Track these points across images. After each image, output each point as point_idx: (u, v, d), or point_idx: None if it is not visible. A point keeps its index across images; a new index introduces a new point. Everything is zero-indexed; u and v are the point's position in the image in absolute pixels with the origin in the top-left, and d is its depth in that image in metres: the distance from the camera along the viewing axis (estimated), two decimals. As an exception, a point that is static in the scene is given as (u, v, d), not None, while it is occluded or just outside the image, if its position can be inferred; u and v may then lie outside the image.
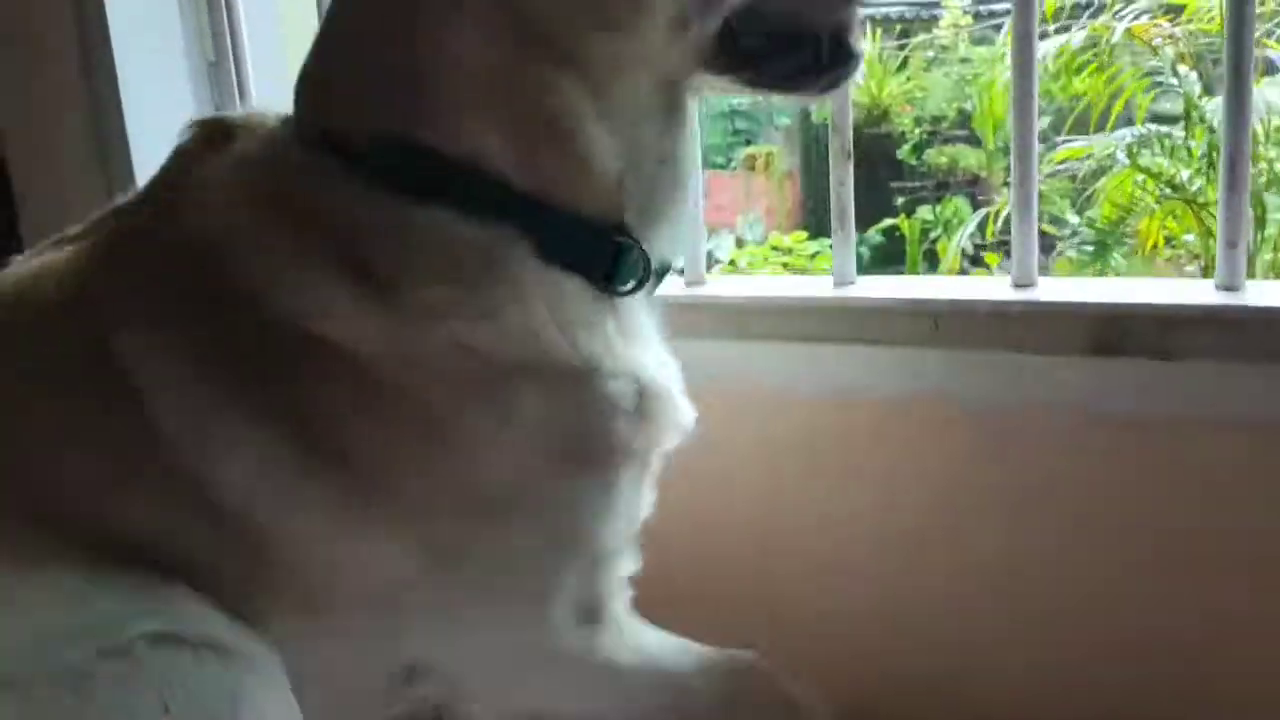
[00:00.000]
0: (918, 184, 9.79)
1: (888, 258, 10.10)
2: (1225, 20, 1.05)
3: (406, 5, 0.73)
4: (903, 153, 9.69)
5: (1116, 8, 4.33)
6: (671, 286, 1.35)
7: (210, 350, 0.73)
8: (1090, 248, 4.15)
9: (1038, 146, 1.19)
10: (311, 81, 0.78)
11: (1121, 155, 4.05)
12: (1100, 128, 4.36)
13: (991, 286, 1.21)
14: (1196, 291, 1.09)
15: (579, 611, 0.82)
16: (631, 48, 0.75)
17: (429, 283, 0.72)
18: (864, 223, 10.18)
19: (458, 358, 0.72)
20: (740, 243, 10.13)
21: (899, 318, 1.21)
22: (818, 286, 1.27)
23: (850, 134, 1.24)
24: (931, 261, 9.41)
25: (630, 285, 0.79)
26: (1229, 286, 1.09)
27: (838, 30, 0.87)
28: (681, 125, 0.84)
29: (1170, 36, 4.01)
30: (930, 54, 10.02)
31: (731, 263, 4.18)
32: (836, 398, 1.24)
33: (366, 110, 0.72)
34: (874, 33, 10.06)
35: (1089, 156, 4.34)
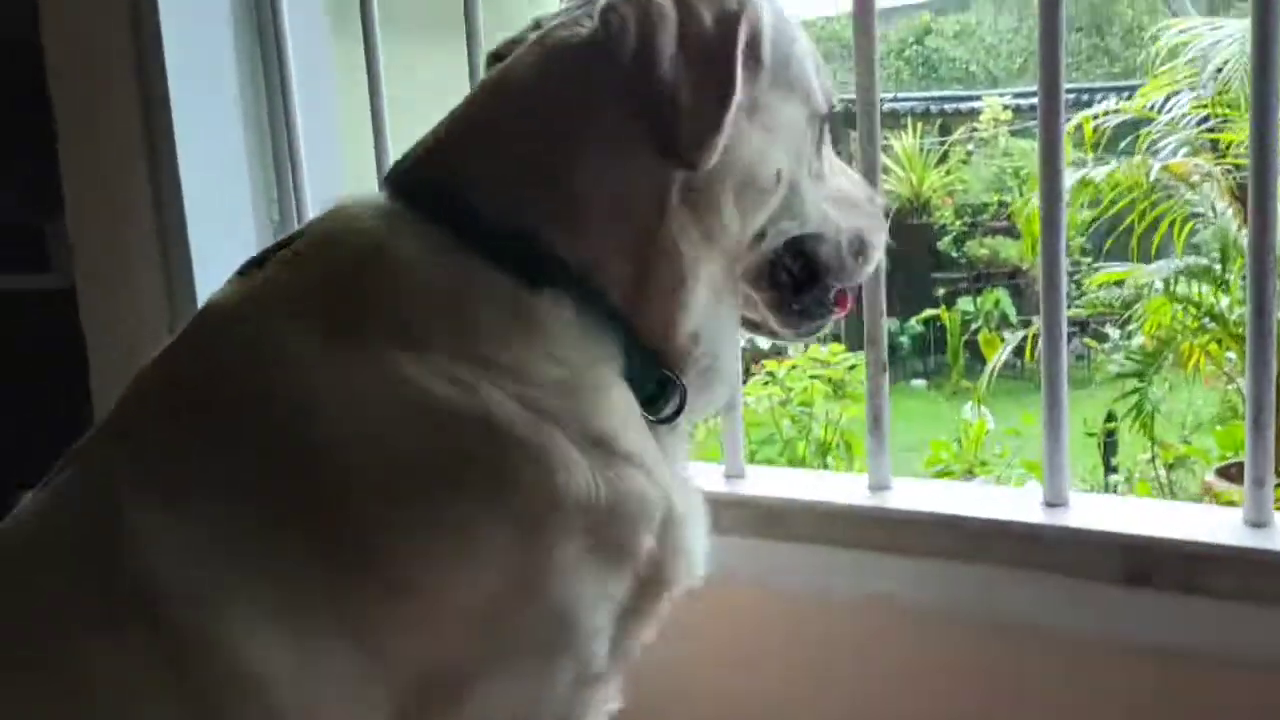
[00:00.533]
0: (958, 275, 9.83)
1: (928, 347, 10.11)
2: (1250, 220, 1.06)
3: (578, 138, 0.82)
4: (943, 244, 9.75)
5: (1153, 138, 4.39)
6: (711, 480, 1.39)
7: None
8: (1132, 366, 4.17)
9: (1066, 370, 1.22)
10: (451, 168, 0.82)
11: (1160, 284, 4.08)
12: (1141, 251, 4.39)
13: (1025, 504, 1.24)
14: (1227, 528, 1.11)
15: None
16: (739, 241, 0.88)
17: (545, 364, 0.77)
18: (904, 312, 10.20)
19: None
20: (780, 333, 10.16)
21: (932, 529, 1.24)
22: (853, 491, 1.30)
23: (885, 348, 1.29)
24: (973, 352, 9.40)
25: (668, 413, 0.85)
26: (1257, 523, 1.11)
27: (843, 285, 1.00)
28: (735, 311, 0.92)
29: (1209, 175, 4.06)
30: (970, 147, 10.10)
31: (770, 374, 4.21)
32: (868, 603, 1.26)
33: (511, 206, 0.79)
34: (914, 126, 10.20)
35: (1127, 283, 4.37)
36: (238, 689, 0.68)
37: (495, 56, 0.92)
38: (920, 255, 9.95)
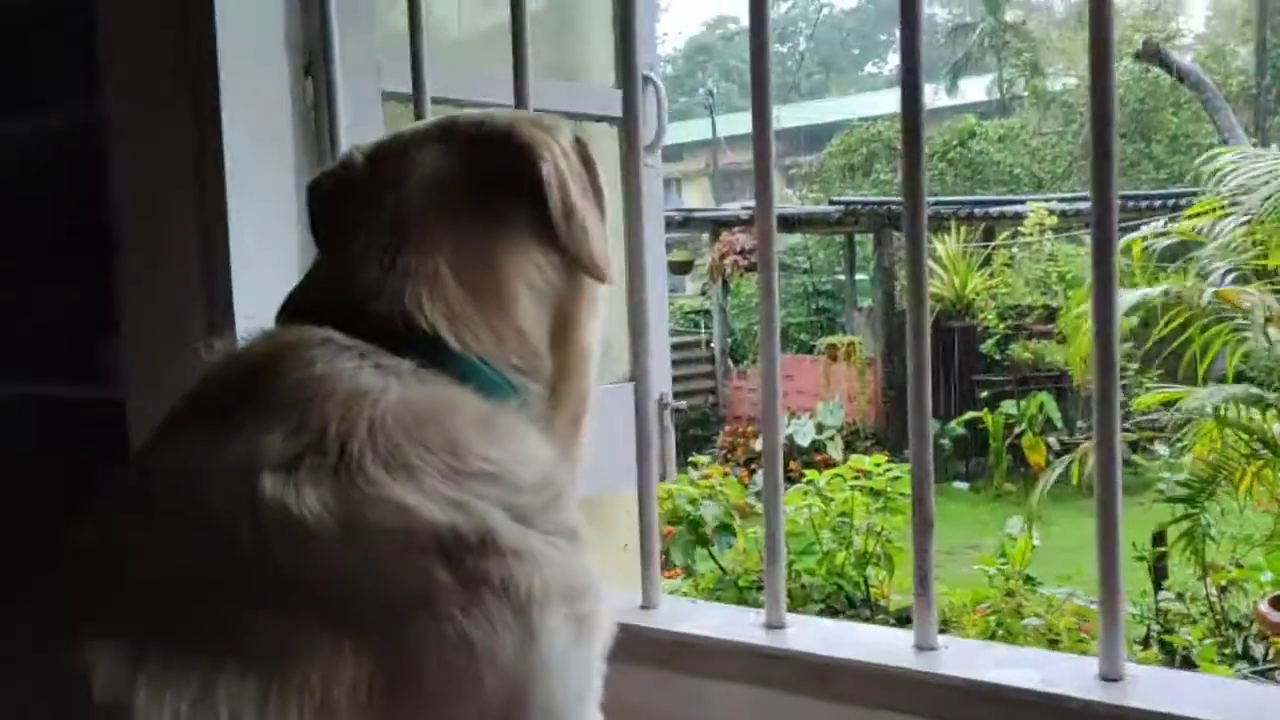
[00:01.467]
0: (1001, 378, 9.78)
1: (969, 449, 10.02)
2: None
3: (510, 283, 0.91)
4: (986, 347, 9.72)
5: (1201, 262, 4.38)
6: (751, 631, 1.36)
7: None
8: (1183, 491, 4.09)
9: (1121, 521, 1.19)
10: (407, 308, 0.87)
11: (1210, 409, 4.02)
12: (1191, 370, 4.35)
13: (1081, 675, 1.20)
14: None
15: None
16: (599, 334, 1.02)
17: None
18: (947, 413, 10.15)
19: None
20: (820, 428, 10.14)
21: (979, 701, 1.20)
22: (898, 650, 1.26)
23: (933, 506, 1.26)
24: (1016, 454, 9.30)
25: None
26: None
27: None
28: None
29: (1261, 304, 4.02)
30: (1015, 250, 10.12)
31: (811, 483, 4.17)
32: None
33: (470, 338, 0.88)
34: (958, 228, 10.25)
35: (1175, 404, 4.32)
36: None
37: (315, 187, 0.99)
38: (963, 357, 9.93)
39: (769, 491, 1.39)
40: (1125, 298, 4.19)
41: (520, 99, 1.47)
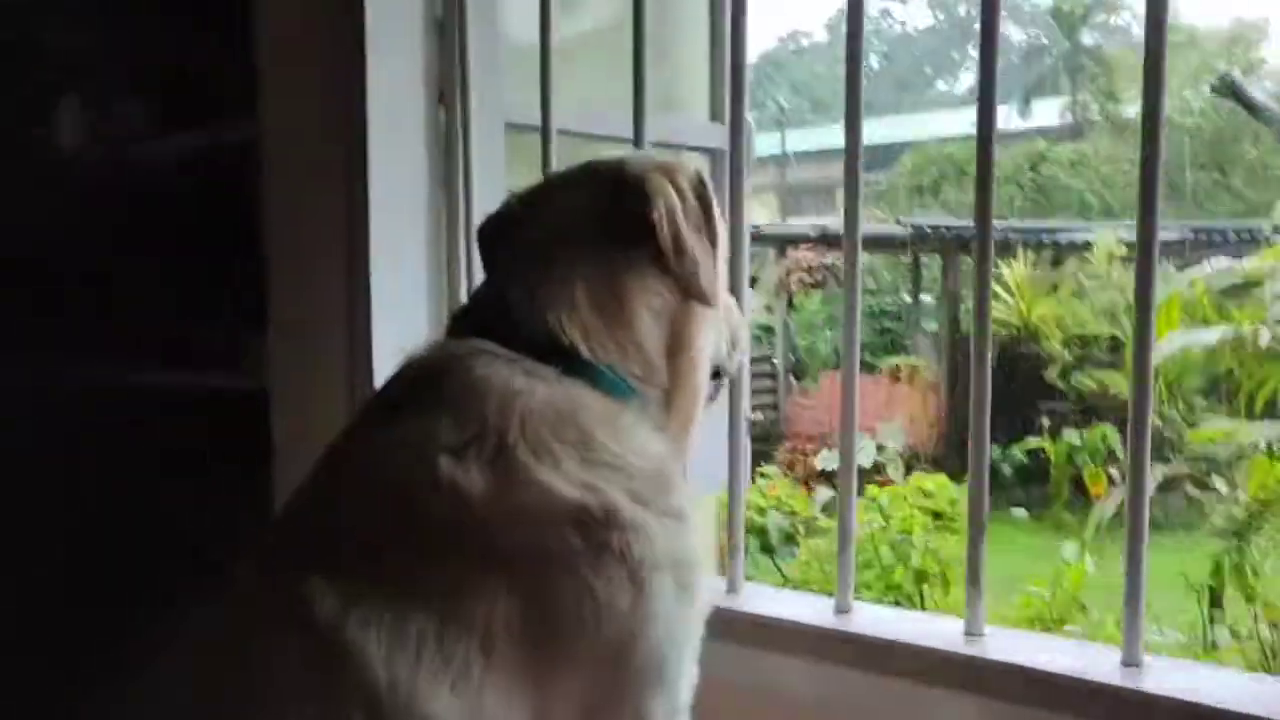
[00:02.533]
0: (1065, 406, 9.75)
1: (1030, 477, 9.98)
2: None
3: (633, 307, 1.09)
4: (1050, 374, 9.71)
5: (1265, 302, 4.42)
6: (822, 615, 1.53)
7: None
8: (1232, 526, 4.14)
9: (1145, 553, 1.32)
10: (551, 327, 1.05)
11: (1264, 445, 4.07)
12: (1249, 408, 4.39)
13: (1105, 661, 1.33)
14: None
15: None
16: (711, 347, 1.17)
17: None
18: (1008, 440, 10.13)
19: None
20: (880, 449, 10.18)
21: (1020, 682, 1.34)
22: (949, 634, 1.41)
23: (986, 507, 1.42)
24: (1077, 484, 9.26)
25: None
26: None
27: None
28: None
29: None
30: (1083, 278, 10.10)
31: (873, 499, 4.30)
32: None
33: (600, 350, 1.06)
34: (1025, 254, 10.26)
35: (1228, 439, 4.37)
36: None
37: (481, 229, 1.20)
38: (1026, 384, 9.92)
39: (843, 486, 1.56)
40: (1182, 338, 4.26)
41: (638, 138, 1.65)
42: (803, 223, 14.26)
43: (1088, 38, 25.38)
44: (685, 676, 1.02)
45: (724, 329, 1.23)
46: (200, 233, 2.15)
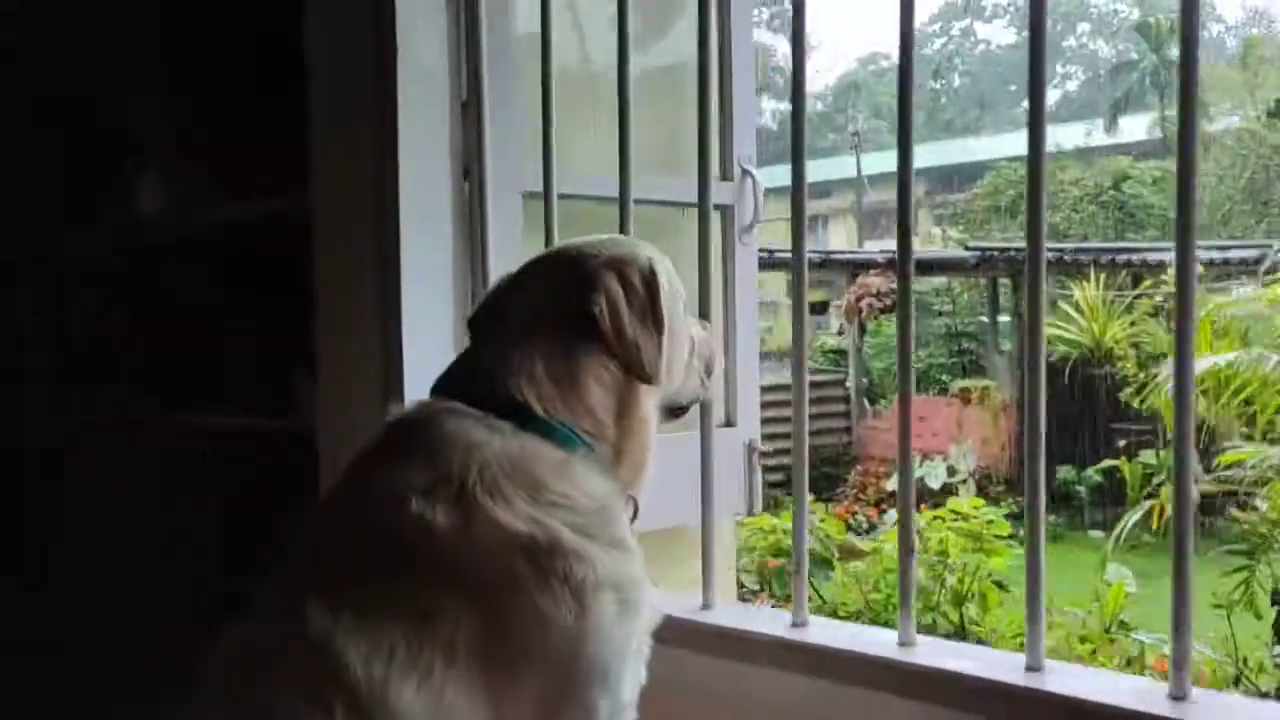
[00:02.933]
0: (1140, 427, 9.65)
1: (1106, 499, 9.89)
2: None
3: (583, 378, 1.27)
4: (1125, 395, 9.62)
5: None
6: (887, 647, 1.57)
7: None
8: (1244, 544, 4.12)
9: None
10: (510, 390, 1.24)
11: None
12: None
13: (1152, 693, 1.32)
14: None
15: None
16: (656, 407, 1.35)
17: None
18: (1084, 461, 10.04)
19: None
20: (952, 471, 10.19)
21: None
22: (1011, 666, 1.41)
23: (1042, 536, 1.41)
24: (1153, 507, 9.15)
25: (633, 516, 1.28)
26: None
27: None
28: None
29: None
30: (1159, 299, 9.98)
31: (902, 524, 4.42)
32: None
33: (553, 409, 1.24)
34: (1098, 277, 10.19)
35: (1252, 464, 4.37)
36: None
37: (471, 321, 1.39)
38: (1102, 405, 9.83)
39: (903, 510, 1.59)
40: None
41: (623, 206, 1.84)
42: (875, 249, 14.29)
43: (1176, 52, 24.82)
44: (629, 679, 1.20)
45: (695, 361, 1.42)
46: (259, 292, 2.40)
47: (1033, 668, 1.43)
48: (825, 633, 1.65)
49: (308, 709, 1.06)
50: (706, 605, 1.77)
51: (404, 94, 1.97)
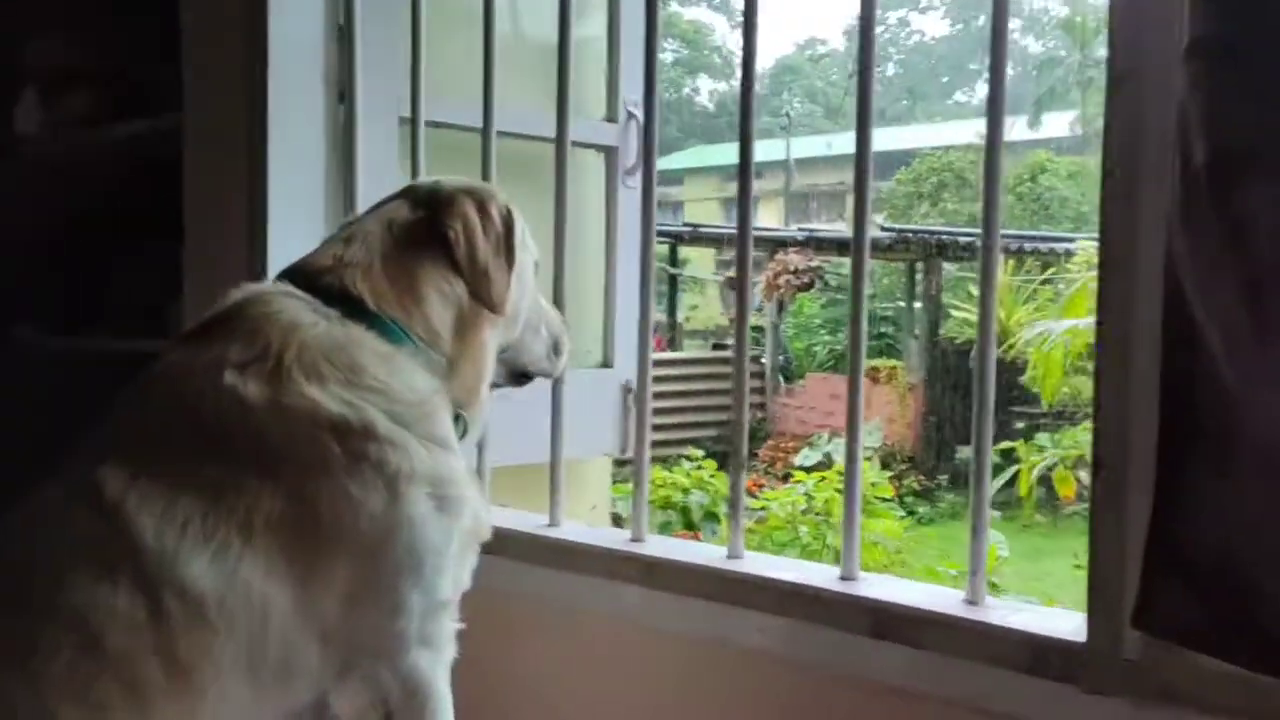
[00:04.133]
0: (1038, 410, 9.94)
1: (1006, 480, 10.20)
2: None
3: (423, 287, 1.29)
4: (1025, 379, 9.89)
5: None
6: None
7: None
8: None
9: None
10: (346, 279, 1.25)
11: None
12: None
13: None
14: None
15: (420, 635, 1.17)
16: (505, 344, 1.41)
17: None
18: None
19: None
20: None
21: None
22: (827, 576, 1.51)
23: (859, 486, 1.54)
24: (1048, 487, 9.46)
25: (460, 435, 1.29)
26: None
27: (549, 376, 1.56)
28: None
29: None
30: (1061, 286, 10.28)
31: (799, 482, 4.53)
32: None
33: (384, 304, 1.25)
34: (1007, 263, 10.45)
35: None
36: (189, 608, 1.06)
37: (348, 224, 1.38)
38: (1001, 388, 10.09)
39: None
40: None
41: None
42: (794, 228, 14.45)
43: (1102, 50, 25.37)
44: (446, 578, 1.20)
45: (545, 336, 1.46)
46: (133, 213, 2.39)
47: (847, 577, 1.52)
48: (659, 546, 1.73)
49: (94, 579, 1.05)
50: (553, 522, 1.83)
51: (276, 15, 1.99)
